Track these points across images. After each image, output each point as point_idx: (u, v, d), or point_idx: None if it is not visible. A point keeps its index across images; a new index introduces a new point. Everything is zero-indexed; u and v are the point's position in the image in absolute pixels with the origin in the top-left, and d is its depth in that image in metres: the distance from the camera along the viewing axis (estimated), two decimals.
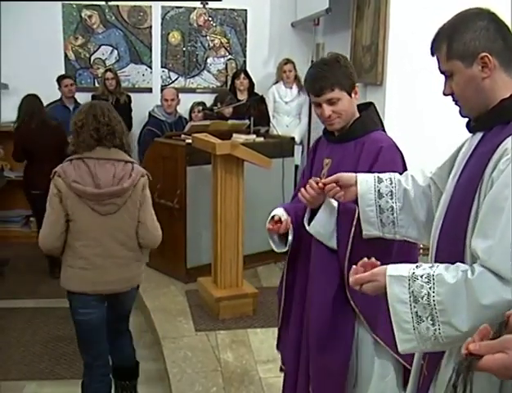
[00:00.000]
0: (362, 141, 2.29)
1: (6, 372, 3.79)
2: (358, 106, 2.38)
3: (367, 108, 2.39)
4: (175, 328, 4.16)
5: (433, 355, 1.60)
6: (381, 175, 2.02)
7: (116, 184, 2.79)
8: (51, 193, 2.80)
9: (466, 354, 1.12)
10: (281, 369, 2.66)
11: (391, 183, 1.99)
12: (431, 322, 1.43)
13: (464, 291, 1.38)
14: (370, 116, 2.36)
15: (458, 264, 1.46)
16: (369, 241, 2.09)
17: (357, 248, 2.18)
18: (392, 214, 1.97)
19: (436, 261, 1.58)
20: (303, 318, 2.43)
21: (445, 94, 1.63)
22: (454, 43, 1.55)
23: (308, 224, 2.28)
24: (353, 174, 2.04)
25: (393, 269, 1.52)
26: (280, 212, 2.43)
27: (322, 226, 2.26)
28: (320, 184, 2.08)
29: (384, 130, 2.38)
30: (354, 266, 1.65)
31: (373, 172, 2.17)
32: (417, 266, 1.50)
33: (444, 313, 1.41)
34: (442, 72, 1.62)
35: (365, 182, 2.01)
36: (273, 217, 2.41)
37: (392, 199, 1.98)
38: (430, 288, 1.43)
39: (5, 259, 5.61)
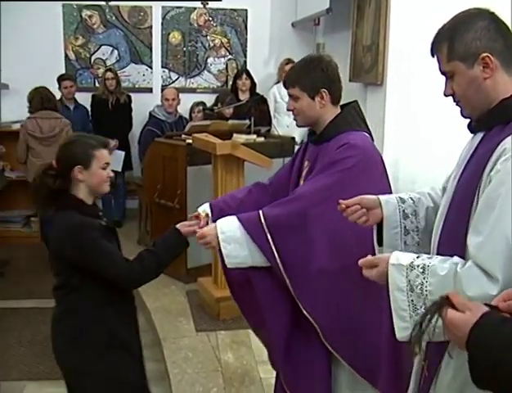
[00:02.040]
0: (332, 142, 2.28)
1: (6, 372, 3.79)
2: (342, 105, 2.37)
3: (344, 108, 2.37)
4: (175, 329, 4.16)
5: (434, 356, 1.60)
6: (402, 195, 1.94)
7: (52, 131, 5.27)
8: (20, 135, 5.35)
9: (446, 296, 1.25)
10: None
11: (413, 202, 1.92)
12: None
13: (452, 283, 1.43)
14: (343, 117, 2.33)
15: (454, 257, 1.48)
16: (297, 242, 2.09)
17: (288, 257, 2.14)
18: (418, 234, 1.91)
19: None
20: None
21: (446, 95, 1.62)
22: (455, 44, 1.54)
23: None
24: (375, 197, 1.94)
25: (395, 258, 1.55)
26: (205, 208, 2.44)
27: (235, 256, 2.21)
28: (342, 205, 1.92)
29: (365, 128, 2.35)
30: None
31: (322, 166, 2.20)
32: (418, 256, 1.54)
33: None
34: (442, 73, 1.61)
35: (389, 203, 1.92)
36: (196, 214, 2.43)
37: (416, 218, 1.91)
38: (424, 278, 1.47)
39: (5, 259, 5.61)
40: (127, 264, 2.32)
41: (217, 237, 2.19)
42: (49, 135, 5.25)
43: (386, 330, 1.69)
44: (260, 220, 2.16)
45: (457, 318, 1.21)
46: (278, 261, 2.15)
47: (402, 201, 1.92)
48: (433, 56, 1.63)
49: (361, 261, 1.65)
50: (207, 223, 2.35)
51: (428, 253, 1.90)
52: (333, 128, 2.30)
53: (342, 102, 2.39)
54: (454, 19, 1.59)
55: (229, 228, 2.20)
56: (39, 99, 5.24)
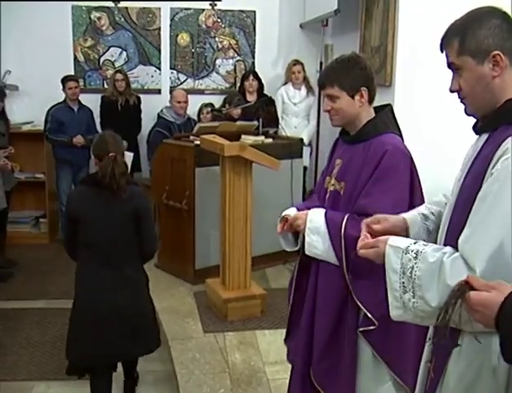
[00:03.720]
0: (371, 143, 2.30)
1: (15, 372, 3.81)
2: (375, 107, 2.39)
3: (382, 110, 2.39)
4: (183, 329, 4.16)
5: (440, 358, 1.60)
6: (424, 211, 1.93)
7: None
8: None
9: (465, 281, 1.31)
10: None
11: (435, 217, 1.91)
12: (412, 294, 1.54)
13: (437, 271, 1.48)
14: (381, 118, 2.36)
15: (447, 247, 1.53)
16: None
17: (355, 261, 2.11)
18: None
19: None
20: (314, 315, 2.44)
21: (451, 91, 1.62)
22: (467, 39, 1.54)
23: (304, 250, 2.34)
24: (402, 217, 1.92)
25: (394, 240, 1.63)
26: (292, 212, 2.47)
27: (315, 247, 2.32)
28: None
29: (398, 132, 2.38)
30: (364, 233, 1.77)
31: (373, 175, 2.22)
32: (415, 242, 1.60)
33: (420, 287, 1.51)
34: (449, 67, 1.61)
35: (415, 223, 1.90)
36: (284, 217, 2.45)
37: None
38: (415, 263, 1.54)
39: (14, 260, 5.63)
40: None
41: (305, 224, 2.34)
42: None
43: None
44: (341, 228, 2.25)
45: (484, 297, 1.25)
46: (345, 269, 2.26)
47: (426, 218, 1.94)
48: (442, 51, 1.62)
49: (360, 244, 1.73)
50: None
51: None
52: (372, 128, 2.33)
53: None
54: (467, 15, 1.59)
55: (316, 219, 2.33)
56: None
